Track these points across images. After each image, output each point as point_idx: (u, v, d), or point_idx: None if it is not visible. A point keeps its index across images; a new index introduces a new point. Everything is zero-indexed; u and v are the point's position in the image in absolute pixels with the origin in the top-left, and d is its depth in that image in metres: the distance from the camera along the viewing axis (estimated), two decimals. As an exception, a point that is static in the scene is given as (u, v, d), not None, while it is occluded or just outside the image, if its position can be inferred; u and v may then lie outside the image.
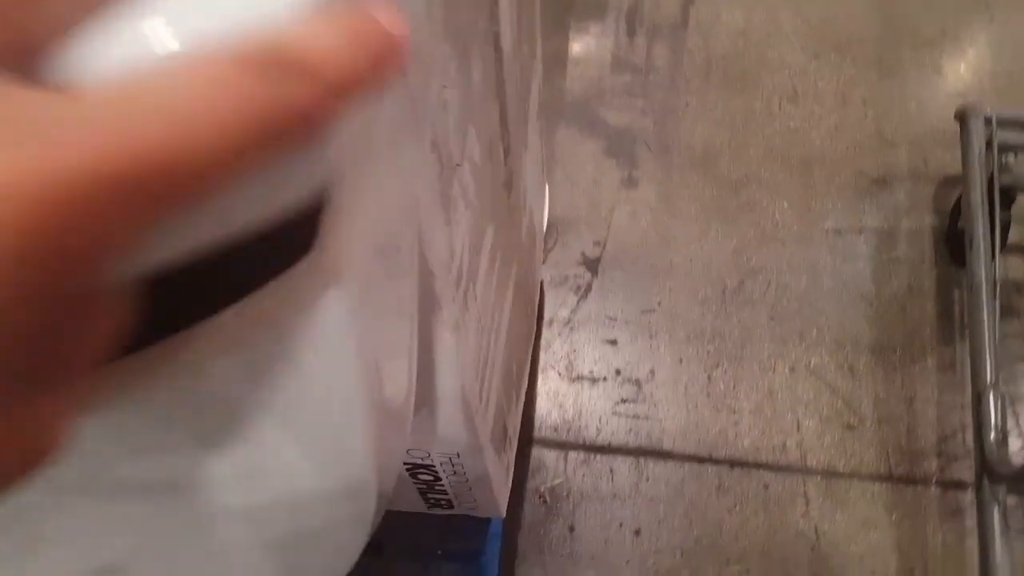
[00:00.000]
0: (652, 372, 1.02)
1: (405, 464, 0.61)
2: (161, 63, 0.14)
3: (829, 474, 0.95)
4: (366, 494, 0.31)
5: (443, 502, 0.71)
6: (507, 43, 0.52)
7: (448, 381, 0.44)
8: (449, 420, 0.50)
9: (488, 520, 0.79)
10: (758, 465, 0.95)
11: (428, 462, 0.60)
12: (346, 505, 0.32)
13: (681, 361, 1.03)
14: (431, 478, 0.64)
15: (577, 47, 1.31)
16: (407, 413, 0.32)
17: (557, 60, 1.27)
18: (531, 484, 0.92)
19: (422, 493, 0.68)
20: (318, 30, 0.16)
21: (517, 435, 0.79)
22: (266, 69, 0.14)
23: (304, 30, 0.16)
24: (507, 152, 0.55)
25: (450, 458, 0.58)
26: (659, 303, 1.08)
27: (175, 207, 0.13)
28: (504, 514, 0.76)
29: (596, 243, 1.13)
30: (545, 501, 0.91)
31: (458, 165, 0.39)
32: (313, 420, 0.23)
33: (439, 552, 0.82)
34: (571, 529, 0.89)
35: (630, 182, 1.20)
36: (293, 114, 0.15)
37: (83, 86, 0.14)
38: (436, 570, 0.82)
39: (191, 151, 0.13)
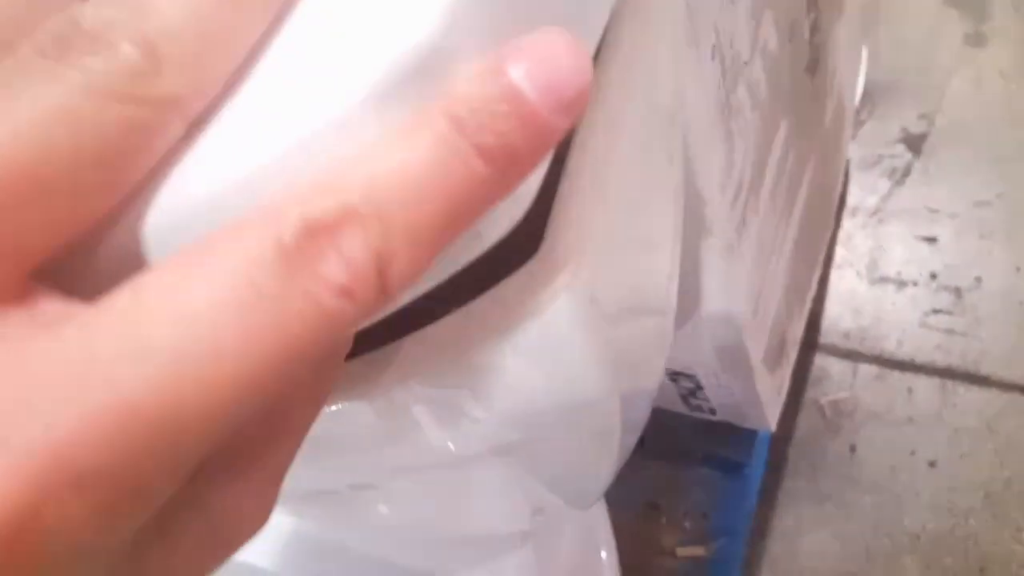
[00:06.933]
0: (979, 280, 0.90)
1: (667, 369, 0.61)
2: (172, 263, 0.12)
3: None
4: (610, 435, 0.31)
5: (706, 408, 0.70)
6: None
7: (715, 305, 0.42)
8: (714, 340, 0.48)
9: (755, 429, 0.77)
10: (1106, 406, 0.82)
11: (691, 372, 0.60)
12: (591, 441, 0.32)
13: (1019, 270, 0.90)
14: (693, 386, 0.63)
15: None
16: (658, 364, 0.31)
17: None
18: (810, 394, 0.88)
19: (683, 398, 0.68)
20: (415, 135, 0.13)
21: (798, 345, 0.75)
22: (303, 248, 0.12)
23: (393, 148, 0.12)
24: (815, 29, 0.49)
25: (715, 373, 0.57)
26: (998, 195, 0.94)
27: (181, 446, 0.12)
28: (773, 427, 0.74)
29: (922, 116, 1.00)
30: (824, 415, 0.87)
31: (746, 63, 0.35)
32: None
33: (700, 455, 0.83)
34: (852, 449, 0.85)
35: (977, 40, 1.03)
36: (339, 323, 0.12)
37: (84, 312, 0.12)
38: (696, 474, 0.83)
39: (185, 407, 0.12)
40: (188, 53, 0.13)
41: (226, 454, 0.14)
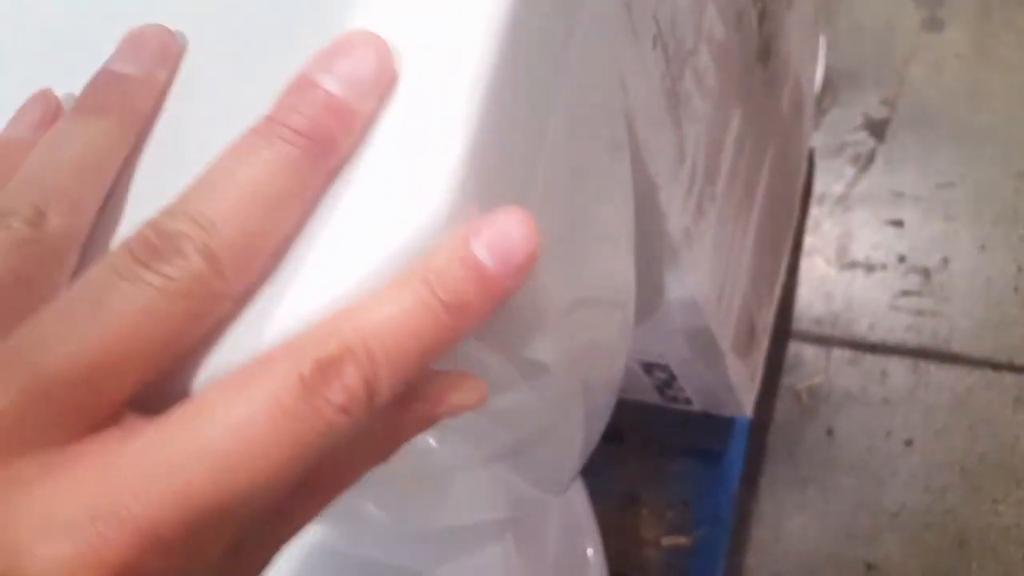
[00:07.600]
0: (945, 260, 0.92)
1: (639, 360, 0.62)
2: (220, 386, 0.17)
3: None
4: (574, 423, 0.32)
5: (682, 399, 0.71)
6: None
7: (679, 292, 0.43)
8: (682, 329, 0.49)
9: (733, 417, 0.78)
10: (1075, 378, 0.84)
11: (663, 362, 0.61)
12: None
13: (984, 248, 0.92)
14: (667, 376, 0.64)
15: None
16: (620, 351, 0.32)
17: None
18: (786, 381, 0.89)
19: (659, 389, 0.69)
20: (404, 290, 0.17)
21: (769, 331, 0.76)
22: (316, 379, 0.16)
23: (383, 300, 0.17)
24: (763, 16, 0.50)
25: (687, 362, 0.58)
26: (962, 176, 0.96)
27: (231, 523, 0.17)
28: (749, 414, 0.75)
29: (884, 102, 1.02)
30: (801, 400, 0.88)
31: (691, 52, 0.36)
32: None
33: (679, 446, 0.84)
34: (829, 433, 0.86)
35: (933, 24, 1.05)
36: (339, 431, 0.17)
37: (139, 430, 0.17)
38: (676, 464, 0.84)
39: (233, 490, 0.16)
40: (241, 259, 0.18)
41: (270, 515, 0.19)
